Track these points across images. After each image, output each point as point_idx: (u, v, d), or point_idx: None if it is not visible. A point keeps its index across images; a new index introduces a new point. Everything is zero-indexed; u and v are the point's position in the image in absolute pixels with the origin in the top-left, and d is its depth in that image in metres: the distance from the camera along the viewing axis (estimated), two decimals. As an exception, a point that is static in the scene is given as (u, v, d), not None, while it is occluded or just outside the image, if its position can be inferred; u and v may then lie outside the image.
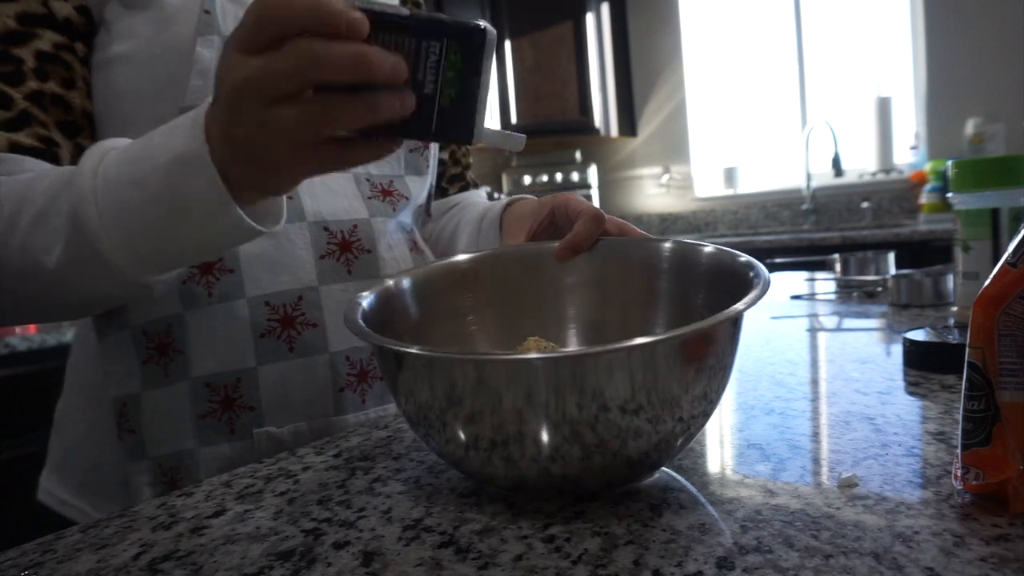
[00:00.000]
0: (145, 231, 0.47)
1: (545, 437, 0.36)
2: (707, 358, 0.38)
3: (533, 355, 0.35)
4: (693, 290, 0.52)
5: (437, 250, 0.84)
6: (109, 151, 0.49)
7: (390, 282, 0.54)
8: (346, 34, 0.36)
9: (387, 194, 0.70)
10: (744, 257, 0.48)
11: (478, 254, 0.59)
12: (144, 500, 0.57)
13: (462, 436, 0.38)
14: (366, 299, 0.49)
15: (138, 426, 0.61)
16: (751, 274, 0.45)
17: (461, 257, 0.59)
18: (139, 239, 0.47)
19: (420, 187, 0.75)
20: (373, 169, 0.70)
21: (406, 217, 0.73)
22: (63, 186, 0.48)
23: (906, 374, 0.62)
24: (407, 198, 0.72)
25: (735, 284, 0.45)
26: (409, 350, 0.38)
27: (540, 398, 0.35)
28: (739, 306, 0.39)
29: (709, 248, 0.52)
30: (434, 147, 0.77)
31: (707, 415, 0.41)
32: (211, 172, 0.43)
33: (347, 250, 0.65)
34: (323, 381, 0.63)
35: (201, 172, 0.43)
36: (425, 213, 0.79)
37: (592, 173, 3.47)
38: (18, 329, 1.70)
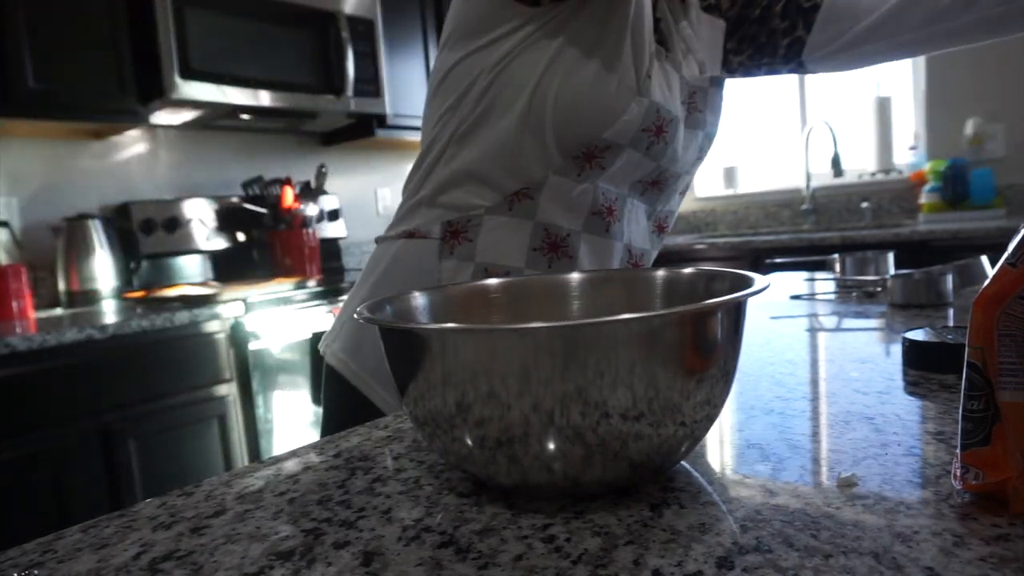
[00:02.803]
0: None
1: (551, 421, 0.36)
2: (707, 343, 0.38)
3: (539, 324, 0.36)
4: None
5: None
6: None
7: (408, 297, 0.54)
8: None
9: (661, 230, 0.91)
10: (748, 274, 0.48)
11: (500, 281, 0.60)
12: None
13: (470, 423, 0.38)
14: (384, 306, 0.50)
15: None
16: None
17: (482, 282, 0.60)
18: None
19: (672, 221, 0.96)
20: (662, 207, 0.89)
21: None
22: None
23: (906, 374, 0.62)
24: (668, 230, 0.93)
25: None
26: (416, 327, 0.39)
27: (545, 374, 0.36)
28: (734, 295, 0.39)
29: (712, 271, 0.52)
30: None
31: (711, 419, 0.41)
32: None
33: (636, 267, 0.82)
34: None
35: None
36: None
37: (592, 173, 3.46)
38: (18, 329, 1.70)
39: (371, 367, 0.82)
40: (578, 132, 0.74)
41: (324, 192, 2.86)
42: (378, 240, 0.88)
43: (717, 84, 0.86)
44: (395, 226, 0.86)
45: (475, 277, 0.77)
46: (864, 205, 3.05)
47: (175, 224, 2.45)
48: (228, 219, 2.60)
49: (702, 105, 0.84)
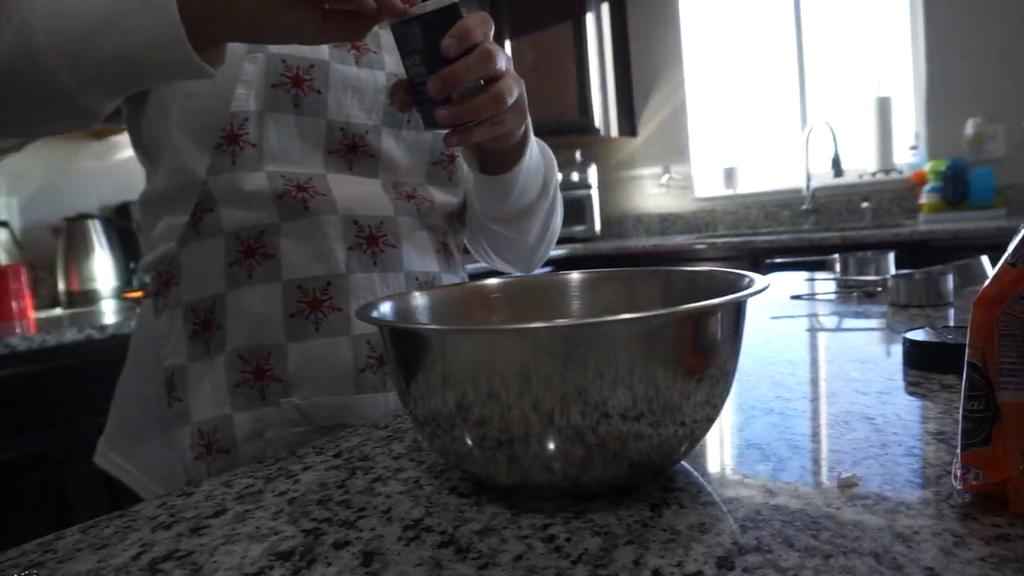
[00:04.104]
0: (82, 37, 0.51)
1: (551, 424, 0.36)
2: (707, 342, 0.38)
3: (540, 324, 0.36)
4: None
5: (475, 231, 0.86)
6: None
7: (408, 297, 0.54)
8: None
9: (411, 198, 0.75)
10: (748, 274, 0.48)
11: (500, 280, 0.60)
12: (186, 461, 0.68)
13: (471, 422, 0.38)
14: (384, 306, 0.50)
15: (184, 394, 0.69)
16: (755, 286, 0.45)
17: (482, 282, 0.60)
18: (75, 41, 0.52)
19: (445, 196, 0.79)
20: (399, 177, 0.76)
21: (436, 220, 0.78)
22: None
23: (906, 374, 0.62)
24: (430, 202, 0.76)
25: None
26: (416, 327, 0.39)
27: (545, 373, 0.36)
28: (734, 295, 0.39)
29: (713, 271, 0.52)
30: (461, 163, 0.80)
31: (711, 419, 0.41)
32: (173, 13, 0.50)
33: (374, 244, 0.71)
34: (345, 361, 0.68)
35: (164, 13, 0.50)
36: (458, 222, 0.83)
37: (592, 173, 3.47)
38: (18, 329, 1.70)
39: (127, 452, 0.76)
40: (205, 120, 0.66)
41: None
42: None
43: (385, 27, 0.73)
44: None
45: (186, 322, 0.69)
46: (864, 205, 3.05)
47: (175, 224, 2.44)
48: (228, 219, 2.60)
49: (375, 47, 0.74)
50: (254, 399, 0.67)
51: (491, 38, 0.55)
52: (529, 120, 0.68)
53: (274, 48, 0.67)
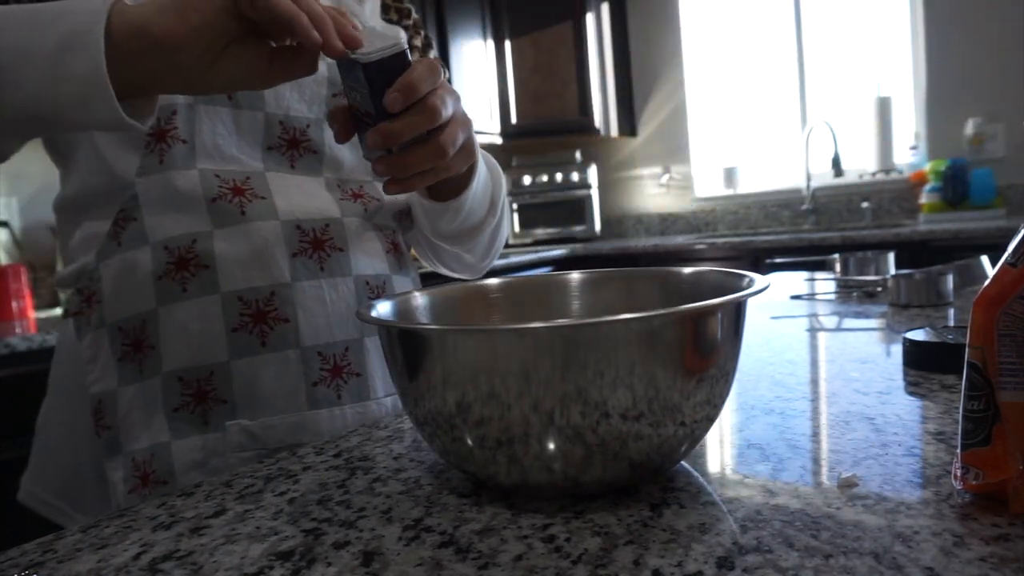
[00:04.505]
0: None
1: (551, 424, 0.36)
2: (707, 344, 0.38)
3: (539, 324, 0.36)
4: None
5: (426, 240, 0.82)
6: None
7: (408, 297, 0.54)
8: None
9: (358, 196, 0.71)
10: (748, 274, 0.47)
11: (500, 280, 0.60)
12: (118, 496, 0.62)
13: (471, 423, 0.38)
14: (383, 305, 0.50)
15: (114, 422, 0.63)
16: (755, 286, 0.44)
17: (482, 281, 0.60)
18: None
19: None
20: (344, 174, 0.72)
21: (385, 219, 0.74)
22: None
23: (906, 374, 0.62)
24: (378, 201, 0.73)
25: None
26: (416, 327, 0.39)
27: (545, 373, 0.36)
28: (734, 295, 0.39)
29: (712, 272, 0.52)
30: None
31: (711, 419, 0.41)
32: (99, 52, 0.44)
33: (319, 248, 0.66)
34: (295, 375, 0.64)
35: (90, 51, 0.44)
36: (408, 219, 0.79)
37: (592, 173, 3.46)
38: (18, 329, 1.70)
39: (55, 488, 0.70)
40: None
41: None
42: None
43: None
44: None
45: (113, 343, 0.63)
46: (864, 205, 3.05)
47: (175, 224, 2.44)
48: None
49: None
50: (196, 424, 0.62)
51: (439, 83, 0.51)
52: (478, 147, 0.63)
53: None
